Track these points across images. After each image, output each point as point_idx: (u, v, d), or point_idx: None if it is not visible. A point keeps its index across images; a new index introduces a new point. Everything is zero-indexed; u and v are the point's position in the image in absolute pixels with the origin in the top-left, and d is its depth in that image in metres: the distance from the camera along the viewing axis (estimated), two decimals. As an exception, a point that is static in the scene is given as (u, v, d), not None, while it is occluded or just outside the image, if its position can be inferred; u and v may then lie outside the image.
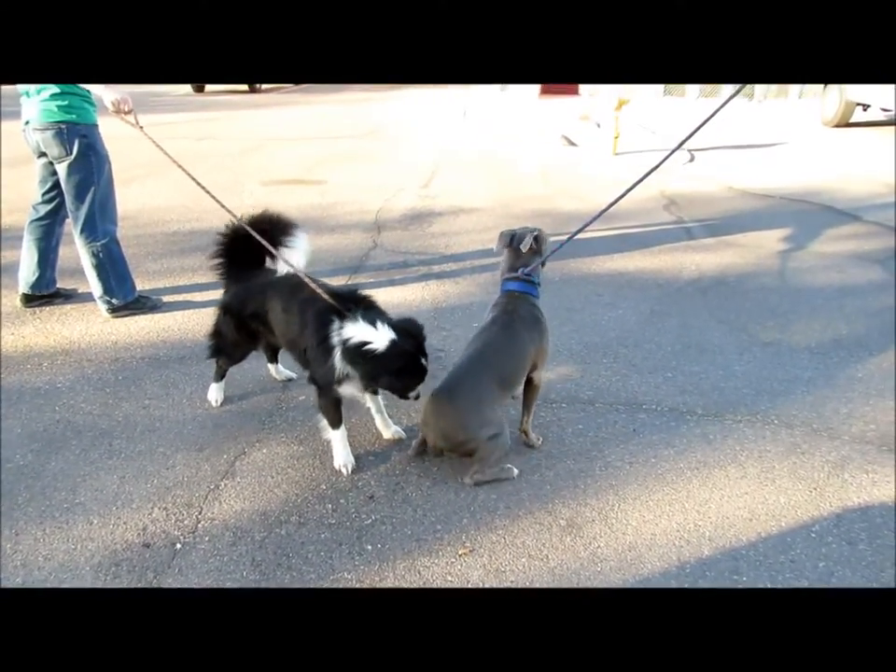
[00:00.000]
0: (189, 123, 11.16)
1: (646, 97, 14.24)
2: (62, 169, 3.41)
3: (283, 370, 3.08)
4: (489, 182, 7.13)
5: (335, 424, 2.43)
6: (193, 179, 2.90)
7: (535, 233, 2.57)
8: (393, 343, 2.16)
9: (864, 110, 10.79)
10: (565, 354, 3.36)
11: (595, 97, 11.51)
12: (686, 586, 1.97)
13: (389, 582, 1.96)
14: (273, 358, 3.04)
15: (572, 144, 9.38)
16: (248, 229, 2.58)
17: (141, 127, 3.22)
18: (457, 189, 6.79)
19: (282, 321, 2.45)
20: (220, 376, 2.88)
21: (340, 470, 2.44)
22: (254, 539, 2.13)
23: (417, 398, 2.36)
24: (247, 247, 2.60)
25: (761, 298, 4.11)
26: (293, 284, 2.46)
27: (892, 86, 9.39)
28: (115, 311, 3.72)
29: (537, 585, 1.96)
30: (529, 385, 2.55)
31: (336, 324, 2.22)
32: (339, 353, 2.20)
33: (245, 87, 18.62)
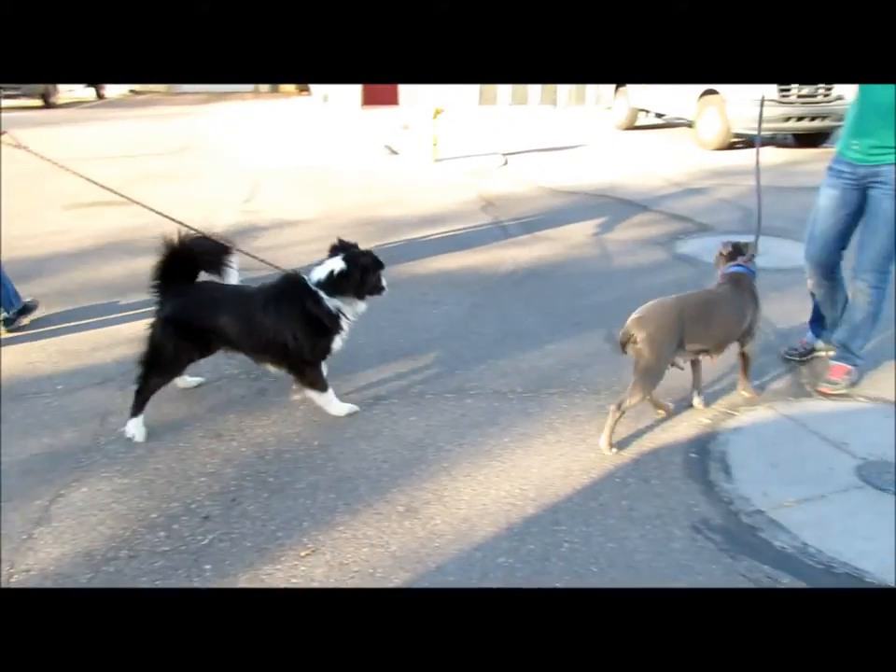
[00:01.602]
0: (-32, 149, 9.94)
1: (461, 105, 14.95)
2: None
3: (189, 378, 3.08)
4: (313, 194, 7.14)
5: (325, 387, 2.83)
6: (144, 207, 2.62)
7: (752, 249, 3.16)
8: (344, 258, 2.70)
9: (646, 115, 12.17)
10: (394, 352, 3.49)
11: (414, 107, 11.90)
12: (529, 547, 2.16)
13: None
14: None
15: (394, 152, 9.63)
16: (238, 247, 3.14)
17: (25, 147, 3.49)
18: (281, 202, 6.73)
19: (250, 329, 2.69)
20: (140, 407, 2.70)
21: (349, 414, 2.86)
22: (78, 582, 2.00)
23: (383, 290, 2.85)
24: (185, 263, 2.77)
25: (569, 284, 4.53)
26: (245, 294, 2.79)
27: (665, 93, 10.70)
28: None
29: (379, 571, 2.05)
30: (742, 357, 3.00)
31: (305, 283, 2.70)
32: (323, 293, 2.67)
33: (38, 102, 16.98)
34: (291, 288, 2.72)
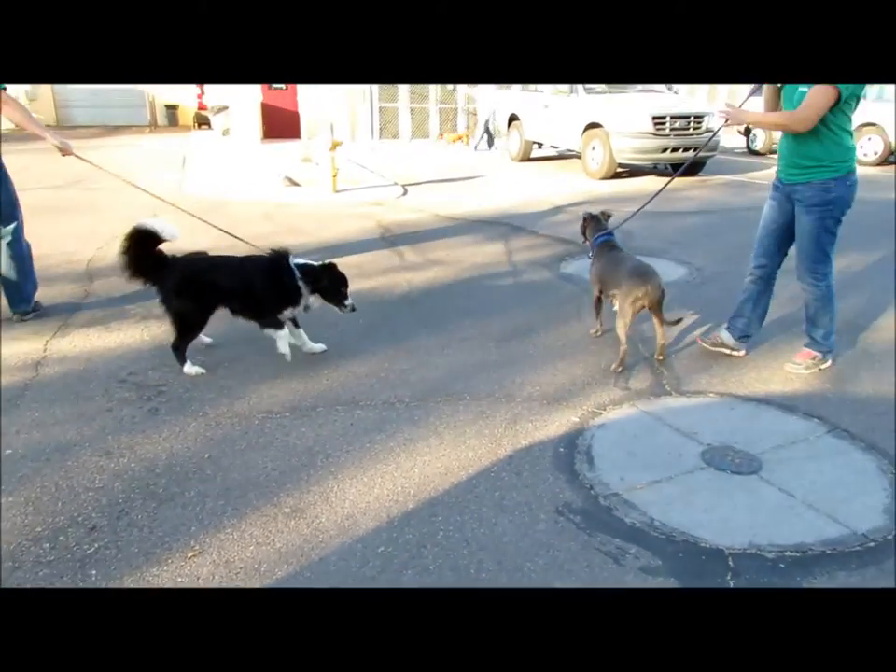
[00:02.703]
0: None
1: (361, 139, 15.29)
2: None
3: (205, 338, 3.88)
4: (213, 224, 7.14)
5: (280, 326, 3.62)
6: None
7: (606, 211, 4.41)
8: (321, 264, 3.65)
9: (539, 147, 12.90)
10: (287, 371, 3.62)
11: (314, 140, 12.09)
12: (407, 537, 2.34)
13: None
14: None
15: (295, 184, 9.76)
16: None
17: (92, 162, 4.19)
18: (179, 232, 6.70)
19: (234, 281, 3.53)
20: (184, 358, 3.56)
21: (285, 355, 3.64)
22: (-42, 596, 2.02)
23: (353, 310, 3.76)
24: (150, 241, 3.46)
25: (460, 303, 4.82)
26: (236, 262, 3.63)
27: (554, 127, 11.42)
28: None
29: (264, 566, 2.18)
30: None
31: (286, 262, 3.54)
32: (298, 274, 3.53)
33: None
34: (277, 260, 3.56)
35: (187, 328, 3.56)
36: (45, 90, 18.34)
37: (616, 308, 3.83)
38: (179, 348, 3.56)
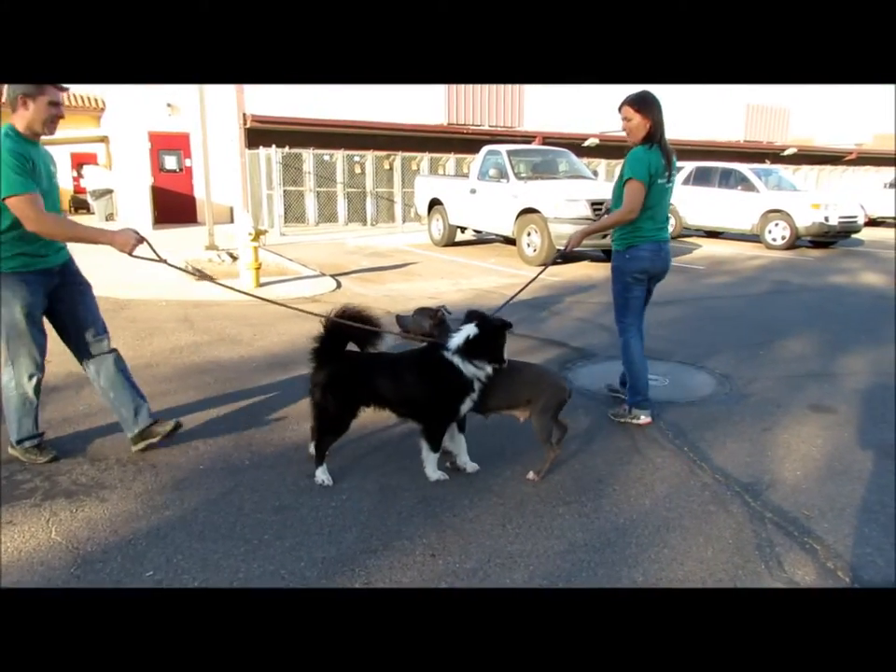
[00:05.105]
0: None
1: (265, 224, 14.11)
2: None
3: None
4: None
5: (437, 448, 3.06)
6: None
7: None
8: (476, 323, 2.97)
9: (462, 232, 12.42)
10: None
11: (228, 227, 10.85)
12: None
13: None
14: None
15: (207, 277, 8.41)
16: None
17: (164, 260, 3.24)
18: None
19: (395, 385, 3.02)
20: (321, 459, 3.07)
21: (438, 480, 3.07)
22: None
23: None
24: (343, 337, 3.05)
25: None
26: (391, 360, 3.10)
27: (481, 211, 10.94)
28: None
29: None
30: None
31: (443, 354, 2.92)
32: (459, 360, 2.90)
33: None
34: (431, 357, 2.98)
35: (329, 427, 3.10)
36: None
37: (527, 420, 3.23)
38: (319, 448, 3.10)
